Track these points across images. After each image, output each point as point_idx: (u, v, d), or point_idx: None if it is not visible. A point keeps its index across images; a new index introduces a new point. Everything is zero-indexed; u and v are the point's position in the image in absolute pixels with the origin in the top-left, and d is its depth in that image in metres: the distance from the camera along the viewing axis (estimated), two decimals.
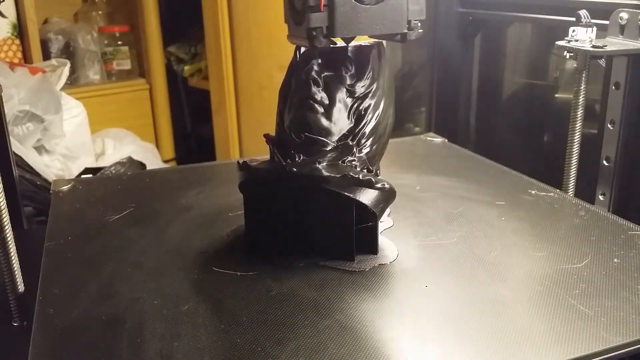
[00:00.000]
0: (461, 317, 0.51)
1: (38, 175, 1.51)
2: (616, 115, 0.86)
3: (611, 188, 0.88)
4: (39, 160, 1.55)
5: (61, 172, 1.60)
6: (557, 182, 0.84)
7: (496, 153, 1.28)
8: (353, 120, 0.62)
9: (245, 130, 1.67)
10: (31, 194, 1.47)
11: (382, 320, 0.52)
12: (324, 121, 0.61)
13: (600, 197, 0.90)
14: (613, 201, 0.89)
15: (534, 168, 1.18)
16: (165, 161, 1.96)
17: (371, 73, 0.64)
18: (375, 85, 0.64)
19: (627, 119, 0.85)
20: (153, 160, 1.82)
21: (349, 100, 0.62)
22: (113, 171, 1.59)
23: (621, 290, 0.55)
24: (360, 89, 0.63)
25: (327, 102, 0.61)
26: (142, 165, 1.69)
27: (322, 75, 0.62)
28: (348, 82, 0.63)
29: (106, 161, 1.71)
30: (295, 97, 0.62)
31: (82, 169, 1.53)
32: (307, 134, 0.60)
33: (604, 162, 0.89)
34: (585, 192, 0.91)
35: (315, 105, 0.61)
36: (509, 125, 1.27)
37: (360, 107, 0.62)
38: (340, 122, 0.61)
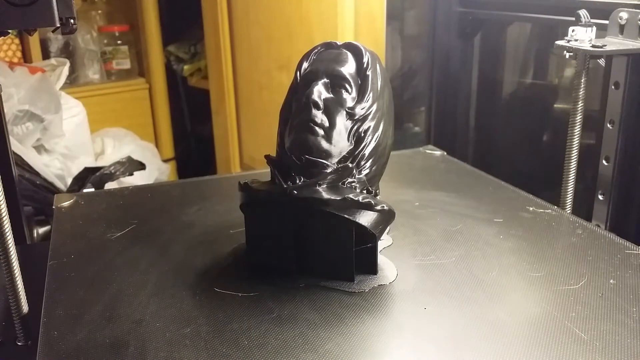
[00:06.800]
0: (460, 340, 0.52)
1: (37, 174, 1.51)
2: (616, 115, 0.86)
3: (610, 187, 0.89)
4: (38, 159, 1.55)
5: (60, 172, 1.61)
6: (557, 180, 0.85)
7: (496, 151, 1.29)
8: (353, 142, 0.62)
9: (245, 130, 1.67)
10: (31, 193, 1.47)
11: (381, 343, 0.52)
12: (324, 143, 0.61)
13: (600, 197, 0.90)
14: (612, 201, 0.89)
15: (534, 167, 1.19)
16: (165, 160, 1.97)
17: (371, 95, 0.64)
18: (375, 107, 0.64)
19: (627, 118, 0.86)
20: (152, 159, 1.83)
21: (349, 123, 0.62)
22: (112, 170, 1.59)
23: (617, 313, 0.56)
24: (360, 111, 0.63)
25: (327, 124, 0.62)
26: (142, 165, 1.69)
27: (323, 98, 0.62)
28: (348, 104, 0.63)
29: (106, 160, 1.71)
30: (296, 120, 0.63)
31: (81, 168, 1.53)
32: (307, 156, 0.60)
33: (604, 161, 0.89)
34: (585, 192, 0.91)
35: (316, 127, 0.61)
36: (508, 124, 1.27)
37: (360, 129, 0.63)
38: (340, 145, 0.62)
